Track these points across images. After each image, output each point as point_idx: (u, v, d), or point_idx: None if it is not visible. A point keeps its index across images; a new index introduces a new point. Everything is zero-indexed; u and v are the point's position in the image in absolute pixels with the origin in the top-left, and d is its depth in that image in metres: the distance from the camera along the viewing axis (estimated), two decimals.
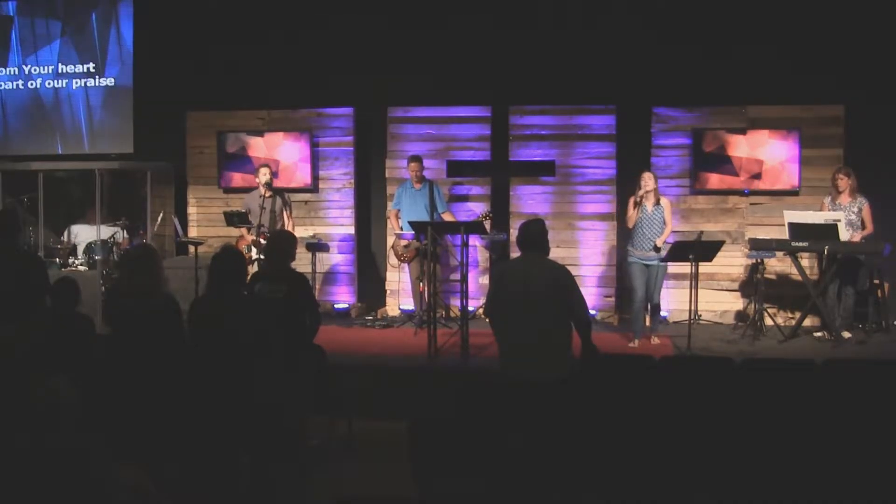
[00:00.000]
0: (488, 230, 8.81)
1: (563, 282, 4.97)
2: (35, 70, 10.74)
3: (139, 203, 10.05)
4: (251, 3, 10.10)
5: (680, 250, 7.74)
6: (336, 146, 9.98)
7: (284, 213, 8.82)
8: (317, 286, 9.13)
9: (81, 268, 9.35)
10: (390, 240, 9.48)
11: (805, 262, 8.59)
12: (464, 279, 7.57)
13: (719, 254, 7.91)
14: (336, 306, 9.85)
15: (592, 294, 9.28)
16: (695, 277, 7.74)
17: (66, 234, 9.90)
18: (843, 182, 8.15)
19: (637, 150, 9.32)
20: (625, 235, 8.84)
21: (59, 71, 10.69)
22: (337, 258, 9.96)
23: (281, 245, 5.93)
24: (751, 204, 9.26)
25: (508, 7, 9.55)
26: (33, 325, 5.30)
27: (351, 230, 9.97)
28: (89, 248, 9.52)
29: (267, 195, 8.73)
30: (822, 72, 8.96)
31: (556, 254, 8.14)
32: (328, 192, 10.00)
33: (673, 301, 9.09)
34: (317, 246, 9.22)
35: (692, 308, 7.89)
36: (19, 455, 2.95)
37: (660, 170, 8.95)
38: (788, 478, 4.33)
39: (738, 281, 9.26)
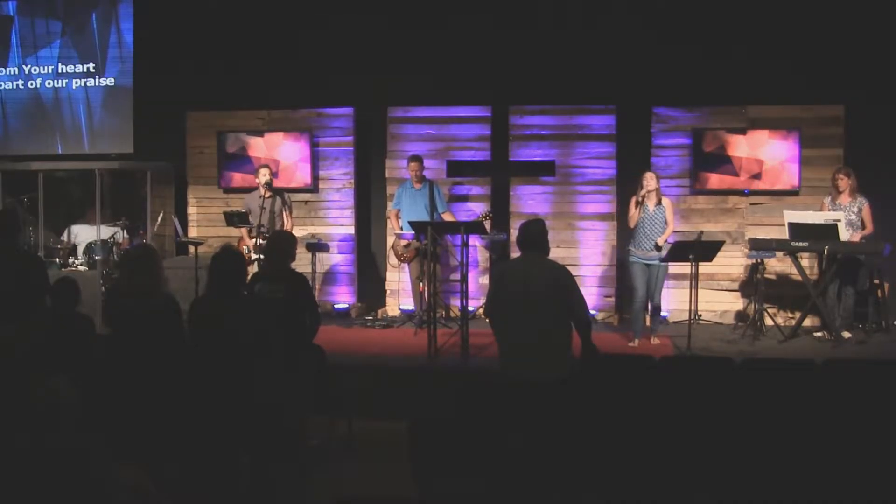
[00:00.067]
0: (488, 230, 8.81)
1: (563, 282, 4.97)
2: (35, 70, 10.74)
3: (139, 203, 10.05)
4: (251, 3, 10.10)
5: (680, 250, 7.74)
6: (336, 146, 9.98)
7: (284, 213, 8.82)
8: (317, 286, 9.13)
9: (81, 268, 9.35)
10: (390, 240, 9.48)
11: (805, 262, 8.59)
12: (464, 279, 7.57)
13: (719, 254, 7.92)
14: (336, 306, 9.85)
15: (592, 294, 9.28)
16: (695, 277, 7.74)
17: (66, 234, 9.90)
18: (844, 182, 8.15)
19: (637, 150, 9.32)
20: (625, 235, 8.85)
21: (59, 71, 10.69)
22: (337, 258, 9.96)
23: (281, 245, 5.93)
24: (751, 204, 9.26)
25: (508, 7, 9.55)
26: (33, 325, 5.30)
27: (351, 230, 9.97)
28: (89, 248, 9.52)
29: (267, 195, 8.73)
30: (822, 72, 8.96)
31: (556, 254, 8.14)
32: (328, 192, 10.00)
33: (673, 301, 9.09)
34: (317, 246, 9.22)
35: (692, 308, 7.89)
36: (19, 455, 2.95)
37: (660, 170, 8.94)
38: (788, 478, 4.33)
39: (738, 281, 9.26)
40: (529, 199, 9.58)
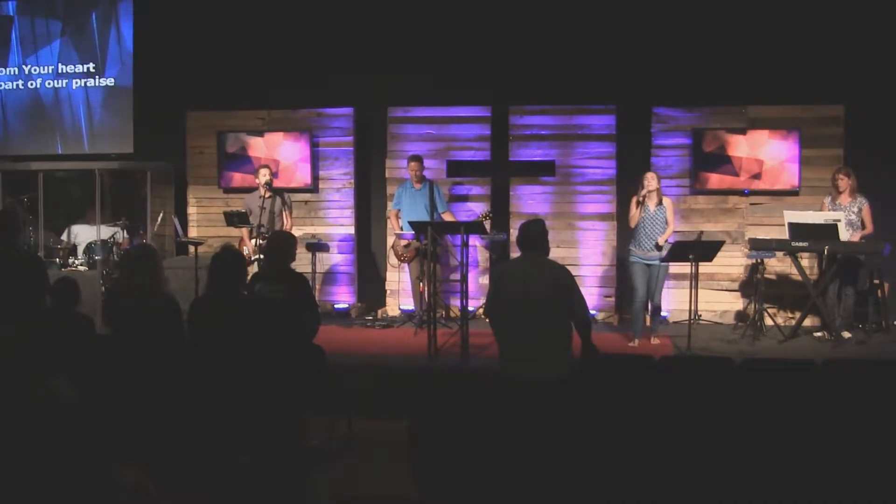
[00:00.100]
0: (488, 230, 8.81)
1: (563, 282, 4.97)
2: (35, 70, 10.74)
3: (139, 203, 10.05)
4: (251, 3, 10.10)
5: (680, 250, 7.74)
6: (336, 146, 9.98)
7: (284, 213, 8.81)
8: (317, 286, 9.13)
9: (81, 268, 9.35)
10: (390, 240, 9.48)
11: (805, 262, 8.59)
12: (464, 279, 7.57)
13: (719, 254, 7.92)
14: (336, 306, 9.85)
15: (592, 294, 9.27)
16: (695, 277, 7.74)
17: (66, 234, 9.90)
18: (844, 182, 8.15)
19: (637, 150, 9.32)
20: (625, 235, 8.85)
21: (59, 71, 10.69)
22: (337, 258, 9.96)
23: (281, 245, 5.93)
24: (751, 204, 9.26)
25: (508, 7, 9.55)
26: (33, 325, 5.30)
27: (351, 230, 9.97)
28: (89, 248, 9.52)
29: (267, 196, 8.73)
30: (822, 72, 8.96)
31: (556, 254, 8.14)
32: (328, 192, 10.00)
33: (673, 301, 9.09)
34: (317, 246, 9.22)
35: (692, 308, 7.89)
36: (19, 455, 2.95)
37: (660, 170, 8.94)
38: (788, 478, 4.33)
39: (738, 281, 9.26)
40: (529, 199, 9.58)
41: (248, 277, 5.84)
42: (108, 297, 6.66)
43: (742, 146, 9.17)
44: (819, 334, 8.32)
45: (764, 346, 7.96)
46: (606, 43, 9.33)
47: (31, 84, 10.77)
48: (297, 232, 8.53)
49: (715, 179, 9.24)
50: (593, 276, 9.47)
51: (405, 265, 9.22)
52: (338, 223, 9.99)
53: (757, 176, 9.15)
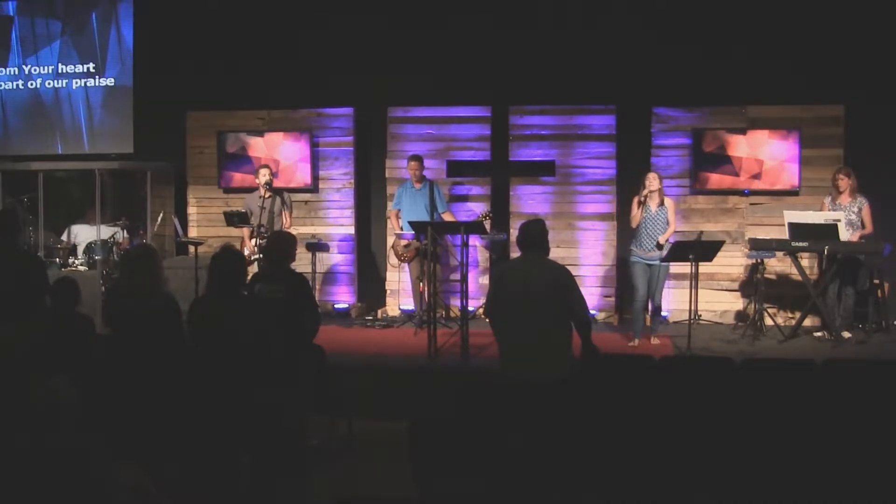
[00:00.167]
0: (488, 230, 8.81)
1: (563, 282, 4.97)
2: (35, 70, 10.74)
3: (139, 203, 10.05)
4: (251, 3, 10.10)
5: (680, 250, 7.74)
6: (336, 146, 9.98)
7: (284, 212, 8.81)
8: (317, 286, 9.13)
9: (81, 268, 9.34)
10: (390, 240, 9.48)
11: (805, 262, 8.59)
12: (464, 279, 7.57)
13: (719, 254, 7.91)
14: (336, 306, 9.84)
15: (592, 294, 9.27)
16: (695, 277, 7.74)
17: (66, 234, 9.90)
18: (844, 182, 8.15)
19: (637, 150, 9.32)
20: (625, 235, 8.85)
21: (59, 71, 10.69)
22: (337, 258, 9.96)
23: (281, 246, 5.93)
24: (751, 204, 9.26)
25: (508, 7, 9.55)
26: (33, 325, 5.30)
27: (351, 230, 9.97)
28: (89, 248, 9.52)
29: (266, 196, 8.73)
30: (822, 72, 8.96)
31: (556, 254, 8.14)
32: (328, 192, 10.00)
33: (673, 301, 9.09)
34: (317, 246, 9.22)
35: (692, 308, 7.89)
36: (19, 455, 2.95)
37: (660, 170, 8.92)
38: (788, 478, 4.33)
39: (738, 281, 9.26)
40: (529, 199, 9.58)
41: (249, 277, 5.84)
42: (108, 297, 6.66)
43: (742, 146, 9.17)
44: (819, 334, 8.32)
45: (764, 346, 7.96)
46: (606, 43, 9.33)
47: (31, 84, 10.77)
48: (296, 232, 8.52)
49: (715, 179, 9.24)
50: (593, 276, 9.47)
51: (405, 265, 9.22)
52: (338, 223, 9.99)
53: (757, 176, 9.15)
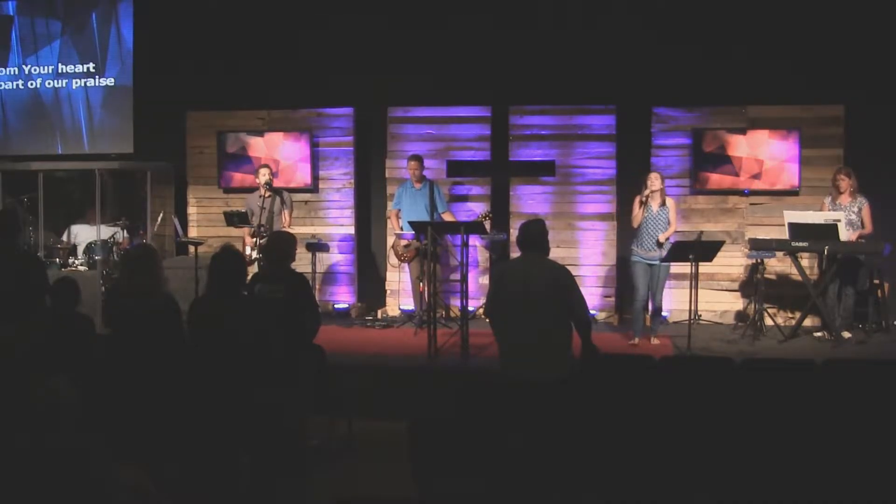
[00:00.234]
0: (488, 230, 8.81)
1: (563, 282, 4.97)
2: (35, 70, 10.74)
3: (139, 203, 10.05)
4: (251, 3, 10.10)
5: (680, 250, 7.74)
6: (336, 146, 9.98)
7: (284, 212, 8.81)
8: (317, 286, 9.13)
9: (81, 268, 9.34)
10: (390, 240, 9.48)
11: (805, 262, 8.59)
12: (464, 279, 7.57)
13: (719, 254, 7.91)
14: (336, 306, 9.84)
15: (592, 294, 9.27)
16: (695, 277, 7.74)
17: (66, 234, 9.90)
18: (845, 182, 8.15)
19: (637, 150, 9.32)
20: (625, 235, 8.85)
21: (59, 71, 10.68)
22: (337, 258, 9.96)
23: (280, 246, 5.93)
24: (751, 204, 9.26)
25: (508, 7, 9.55)
26: (33, 325, 5.30)
27: (351, 230, 9.97)
28: (89, 248, 9.52)
29: (266, 195, 8.73)
30: (822, 72, 8.96)
31: (556, 254, 8.14)
32: (328, 192, 10.00)
33: (673, 301, 9.09)
34: (317, 246, 9.22)
35: (692, 308, 7.89)
36: (19, 455, 2.95)
37: (660, 170, 8.92)
38: (788, 478, 4.33)
39: (738, 281, 9.26)
40: (529, 199, 9.58)
41: (249, 277, 5.84)
42: (108, 297, 6.66)
43: (742, 146, 9.17)
44: (819, 334, 8.32)
45: (764, 346, 7.96)
46: (606, 43, 9.33)
47: (31, 84, 10.76)
48: (296, 231, 8.52)
49: (715, 179, 9.24)
50: (593, 276, 9.47)
51: (405, 265, 9.22)
52: (338, 223, 9.98)
53: (757, 176, 9.15)
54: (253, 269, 7.72)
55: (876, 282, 8.57)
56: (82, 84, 10.66)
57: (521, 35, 9.48)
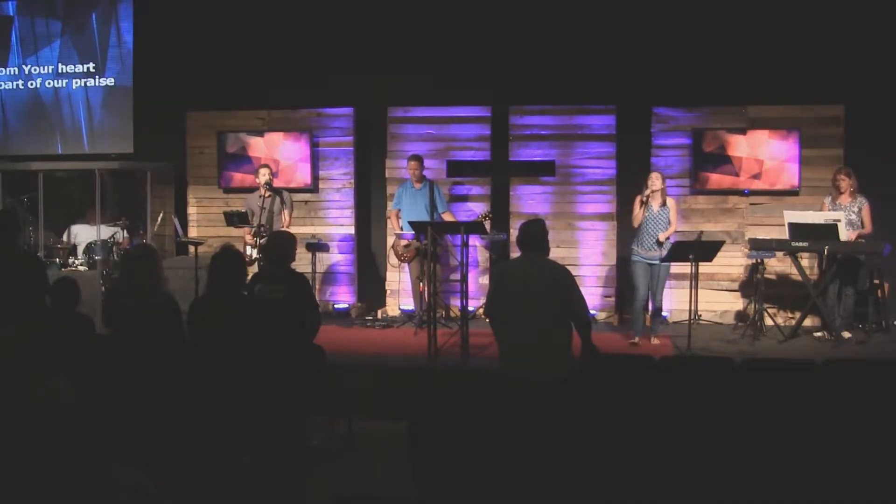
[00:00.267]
0: (488, 230, 8.81)
1: (563, 282, 4.97)
2: (35, 70, 10.74)
3: (139, 203, 10.05)
4: (251, 3, 10.10)
5: (680, 250, 7.74)
6: (336, 146, 9.98)
7: (284, 212, 8.81)
8: (317, 286, 9.13)
9: (81, 268, 9.34)
10: (390, 240, 9.48)
11: (805, 262, 8.59)
12: (464, 279, 7.57)
13: (719, 254, 7.91)
14: (336, 306, 9.84)
15: (592, 294, 9.27)
16: (695, 277, 7.74)
17: (66, 234, 9.90)
18: (845, 183, 8.15)
19: (637, 150, 9.32)
20: (625, 235, 8.85)
21: (59, 71, 10.68)
22: (337, 258, 9.96)
23: (280, 246, 5.93)
24: (751, 204, 9.26)
25: (508, 7, 9.55)
26: (33, 325, 5.30)
27: (351, 230, 9.97)
28: (89, 248, 9.52)
29: (266, 195, 8.73)
30: (822, 72, 8.96)
31: (556, 254, 8.14)
32: (328, 192, 10.00)
33: (673, 301, 9.09)
34: (317, 246, 9.22)
35: (692, 308, 7.89)
36: (19, 455, 2.95)
37: (660, 170, 8.92)
38: (788, 478, 4.33)
39: (738, 281, 9.26)
40: (529, 199, 9.58)
41: (249, 277, 5.84)
42: (108, 297, 6.66)
43: (742, 146, 9.17)
44: (819, 334, 8.32)
45: (764, 346, 7.96)
46: (606, 43, 9.33)
47: (31, 84, 10.76)
48: (296, 231, 8.52)
49: (715, 179, 9.24)
50: (593, 276, 9.47)
51: (405, 265, 9.22)
52: (338, 223, 9.98)
53: (757, 176, 9.15)
54: (253, 269, 7.72)
55: (876, 282, 8.57)
56: (82, 84, 10.66)
57: (521, 35, 9.48)
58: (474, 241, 9.43)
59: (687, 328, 7.74)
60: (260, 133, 10.00)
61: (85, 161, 10.22)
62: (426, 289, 8.05)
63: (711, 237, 8.32)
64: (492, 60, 9.47)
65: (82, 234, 9.82)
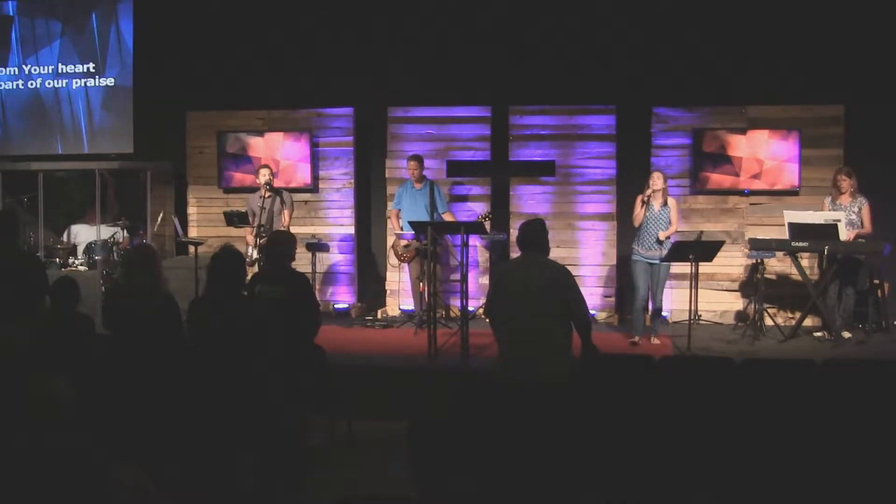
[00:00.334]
0: (488, 230, 8.81)
1: (563, 282, 4.97)
2: (35, 70, 10.73)
3: (139, 203, 10.05)
4: (251, 2, 10.10)
5: (680, 250, 7.74)
6: (336, 146, 9.98)
7: (284, 212, 8.81)
8: (317, 286, 9.12)
9: (81, 268, 9.34)
10: (390, 240, 9.48)
11: (805, 262, 8.59)
12: (464, 279, 7.57)
13: (719, 254, 7.92)
14: (336, 306, 9.84)
15: (592, 294, 9.27)
16: (695, 277, 7.74)
17: (66, 234, 9.90)
18: (846, 183, 8.15)
19: (637, 150, 9.32)
20: (625, 235, 8.85)
21: (59, 71, 10.67)
22: (337, 258, 9.96)
23: (280, 245, 5.93)
24: (751, 204, 9.26)
25: (509, 7, 9.54)
26: (33, 325, 5.30)
27: (351, 230, 9.97)
28: (89, 248, 9.51)
29: (267, 196, 8.73)
30: (822, 72, 8.96)
31: (556, 254, 8.14)
32: (328, 192, 10.00)
33: (673, 301, 9.09)
34: (317, 246, 9.22)
35: (692, 308, 7.89)
36: (19, 455, 2.95)
37: (660, 170, 8.92)
38: (788, 478, 4.33)
39: (738, 281, 9.26)
40: (529, 199, 9.58)
41: (249, 278, 5.84)
42: (108, 297, 6.65)
43: (742, 146, 9.17)
44: (819, 334, 8.32)
45: (764, 346, 7.96)
46: (606, 43, 9.33)
47: (31, 84, 10.76)
48: (296, 231, 8.52)
49: (715, 179, 9.24)
50: (593, 276, 9.47)
51: (405, 265, 9.22)
52: (338, 223, 9.98)
53: (757, 176, 9.15)
54: (254, 270, 7.72)
55: (876, 282, 8.56)
56: (82, 84, 10.66)
57: (521, 35, 9.48)
58: (474, 241, 9.43)
59: (687, 328, 7.74)
60: (260, 133, 10.00)
61: (85, 161, 10.22)
62: (426, 289, 8.05)
63: (711, 237, 8.33)
64: (492, 60, 9.47)
65: (82, 234, 9.81)
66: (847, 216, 8.06)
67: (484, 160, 9.54)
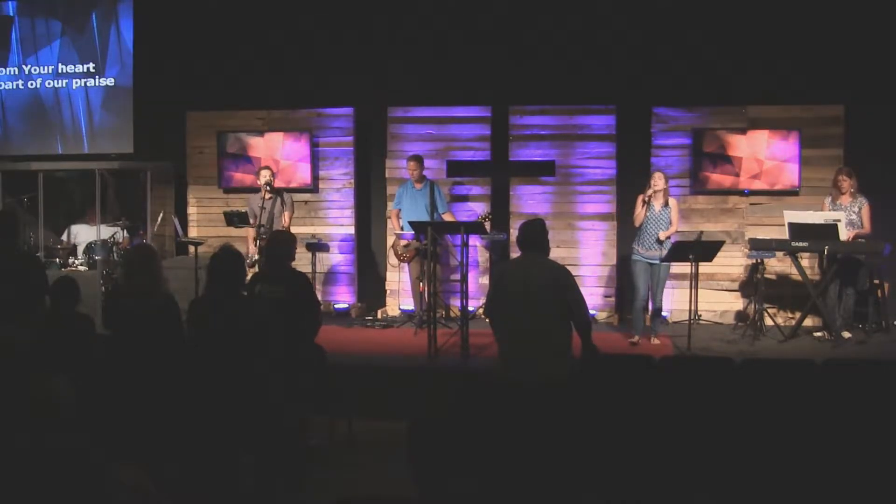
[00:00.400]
0: (488, 231, 8.81)
1: (563, 282, 4.97)
2: (35, 70, 10.73)
3: (139, 203, 10.05)
4: (251, 3, 10.10)
5: (680, 250, 7.74)
6: (336, 146, 9.98)
7: (284, 212, 8.81)
8: (317, 286, 9.12)
9: (81, 268, 9.33)
10: (390, 240, 9.48)
11: (805, 262, 8.59)
12: (464, 279, 7.57)
13: (719, 254, 7.92)
14: (336, 306, 9.84)
15: (592, 294, 9.27)
16: (695, 277, 7.74)
17: (66, 234, 9.90)
18: (846, 183, 8.15)
19: (637, 150, 9.32)
20: (625, 235, 8.85)
21: (59, 71, 10.67)
22: (337, 258, 9.96)
23: (280, 246, 5.93)
24: (751, 204, 9.26)
25: (509, 7, 9.54)
26: (33, 325, 5.30)
27: (351, 230, 9.97)
28: (89, 248, 9.51)
29: (267, 196, 8.73)
30: (822, 72, 8.96)
31: (556, 254, 8.14)
32: (328, 192, 10.00)
33: (673, 301, 9.09)
34: (317, 246, 9.22)
35: (692, 308, 7.89)
36: (19, 455, 2.95)
37: (660, 170, 8.92)
38: (788, 478, 4.33)
39: (738, 281, 9.26)
40: (529, 199, 9.58)
41: (249, 278, 5.84)
42: (108, 297, 6.65)
43: (742, 146, 9.17)
44: (819, 334, 8.32)
45: (764, 346, 7.96)
46: (606, 43, 9.33)
47: (31, 84, 10.75)
48: (296, 232, 8.52)
49: (715, 179, 9.24)
50: (593, 276, 9.47)
51: (405, 265, 9.22)
52: (338, 223, 9.98)
53: (757, 176, 9.15)
54: (254, 270, 7.72)
55: (876, 282, 8.56)
56: (82, 84, 10.65)
57: (521, 35, 9.48)
58: (474, 241, 9.43)
59: (687, 328, 7.74)
60: (260, 133, 10.00)
61: (85, 161, 10.22)
62: (426, 289, 8.05)
63: (711, 237, 8.33)
64: (492, 60, 9.47)
65: (82, 234, 9.81)
66: (847, 216, 8.06)
67: (484, 160, 9.54)
